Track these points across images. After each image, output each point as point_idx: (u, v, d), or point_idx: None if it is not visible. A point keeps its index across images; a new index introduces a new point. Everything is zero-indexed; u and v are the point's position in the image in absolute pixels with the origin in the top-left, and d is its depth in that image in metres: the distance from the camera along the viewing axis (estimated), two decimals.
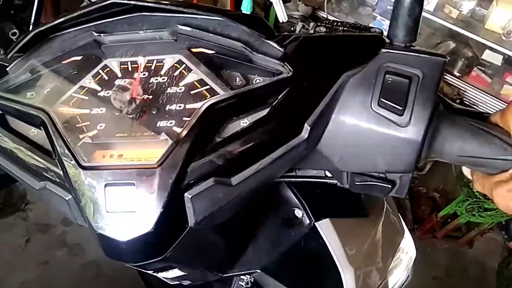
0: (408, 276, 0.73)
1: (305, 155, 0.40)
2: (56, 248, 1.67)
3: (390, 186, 0.42)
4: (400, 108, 0.37)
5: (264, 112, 0.39)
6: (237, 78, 0.41)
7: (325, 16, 2.72)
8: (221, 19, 0.40)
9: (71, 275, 1.60)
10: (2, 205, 1.78)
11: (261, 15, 2.74)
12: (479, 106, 2.58)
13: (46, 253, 1.65)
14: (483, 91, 2.63)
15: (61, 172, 0.39)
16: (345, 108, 0.39)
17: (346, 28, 0.43)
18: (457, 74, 2.69)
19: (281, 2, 2.15)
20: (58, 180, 0.39)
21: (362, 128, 0.38)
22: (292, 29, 2.64)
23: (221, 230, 0.47)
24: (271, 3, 2.10)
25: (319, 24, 0.44)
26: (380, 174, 0.42)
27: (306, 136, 0.37)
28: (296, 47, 0.39)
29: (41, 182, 0.40)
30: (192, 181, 0.36)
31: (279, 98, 0.38)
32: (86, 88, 0.43)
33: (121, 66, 0.43)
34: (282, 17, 2.17)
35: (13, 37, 0.95)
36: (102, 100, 0.41)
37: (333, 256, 0.54)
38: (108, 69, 0.43)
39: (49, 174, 0.40)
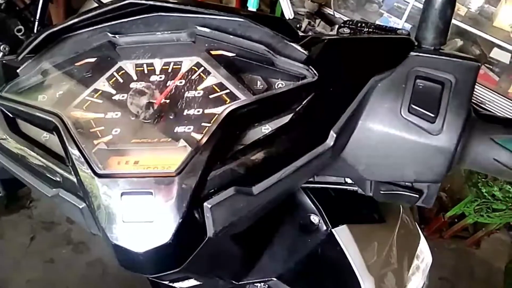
0: (425, 283, 0.72)
1: (330, 163, 0.39)
2: (61, 246, 1.66)
3: (417, 195, 0.40)
4: (432, 115, 0.35)
5: (287, 118, 0.37)
6: (258, 82, 0.39)
7: (332, 13, 2.70)
8: (242, 20, 0.38)
9: (77, 273, 1.60)
10: (7, 203, 1.77)
11: (267, 12, 2.72)
12: (486, 105, 2.56)
13: (51, 251, 1.64)
14: (490, 89, 2.61)
15: (74, 180, 0.37)
16: (373, 114, 0.37)
17: (371, 30, 0.42)
18: None
19: None
20: (71, 187, 0.38)
21: (391, 136, 0.37)
22: (298, 26, 2.61)
23: (238, 238, 0.45)
24: (277, 0, 2.08)
25: (342, 25, 0.42)
26: (406, 183, 0.40)
27: (332, 143, 0.36)
28: (321, 50, 0.38)
29: (54, 190, 0.38)
30: (212, 190, 0.35)
31: (303, 103, 0.36)
32: (100, 91, 0.41)
33: (137, 69, 0.41)
34: (288, 13, 2.15)
35: (18, 34, 0.93)
36: (117, 104, 0.40)
37: (352, 264, 0.53)
38: (123, 71, 0.41)
39: (62, 181, 0.38)
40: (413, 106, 0.35)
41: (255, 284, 0.58)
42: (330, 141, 0.36)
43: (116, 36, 0.41)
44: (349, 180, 0.50)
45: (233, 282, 0.52)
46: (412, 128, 0.36)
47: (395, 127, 0.36)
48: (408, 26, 2.72)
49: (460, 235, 2.03)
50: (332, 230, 0.56)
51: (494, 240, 2.07)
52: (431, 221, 2.03)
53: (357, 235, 0.56)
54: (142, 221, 0.35)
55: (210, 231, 0.36)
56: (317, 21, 2.66)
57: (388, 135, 0.37)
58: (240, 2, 2.51)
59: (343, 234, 0.55)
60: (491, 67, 2.63)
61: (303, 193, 0.57)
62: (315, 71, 0.36)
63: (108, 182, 0.35)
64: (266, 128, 0.37)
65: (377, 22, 2.79)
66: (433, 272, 1.99)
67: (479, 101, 2.64)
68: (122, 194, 0.35)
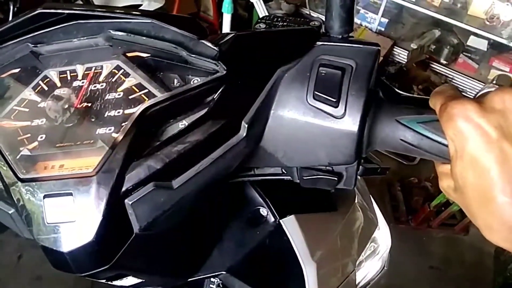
0: (383, 267, 0.73)
1: (248, 153, 0.40)
2: (49, 262, 1.66)
3: (336, 178, 0.41)
4: (334, 100, 0.36)
5: (202, 112, 0.38)
6: (175, 80, 0.41)
7: (308, 13, 2.72)
8: (152, 22, 0.39)
9: None
10: None
11: (245, 15, 2.75)
12: (468, 93, 2.58)
13: (39, 267, 1.64)
14: (470, 77, 2.64)
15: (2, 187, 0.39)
16: (282, 103, 0.38)
17: (285, 23, 0.43)
18: (444, 62, 2.69)
19: (260, 0, 2.15)
20: (1, 195, 0.39)
21: (301, 122, 0.38)
22: None
23: (176, 234, 0.46)
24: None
25: (259, 20, 0.44)
26: (327, 167, 0.42)
27: (245, 134, 0.37)
28: (229, 46, 0.39)
29: None
30: (131, 187, 0.36)
31: (214, 97, 0.38)
32: (27, 100, 0.42)
33: (61, 76, 0.42)
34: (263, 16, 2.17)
35: None
36: (42, 111, 0.41)
37: (296, 252, 0.54)
38: (48, 79, 0.43)
39: None
40: (317, 93, 0.37)
41: (211, 280, 0.59)
42: (243, 132, 0.37)
43: (38, 45, 0.42)
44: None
45: (183, 278, 0.53)
46: (318, 113, 0.37)
47: (303, 114, 0.38)
48: (385, 21, 2.76)
49: (448, 223, 2.04)
50: (280, 221, 0.57)
51: None
52: (418, 212, 2.04)
53: (305, 224, 0.57)
54: (65, 221, 0.36)
55: (135, 227, 0.37)
56: None
57: (298, 122, 0.38)
58: (216, 7, 2.54)
59: (290, 224, 0.56)
60: (469, 55, 2.65)
61: (251, 187, 0.58)
62: (224, 66, 0.38)
63: (31, 186, 0.37)
64: (183, 124, 0.39)
65: (355, 19, 2.82)
66: (423, 261, 2.00)
67: (460, 89, 2.65)
68: (44, 196, 0.36)
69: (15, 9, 1.50)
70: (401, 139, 0.38)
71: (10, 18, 1.52)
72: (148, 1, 1.98)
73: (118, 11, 0.41)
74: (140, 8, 1.96)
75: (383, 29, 2.79)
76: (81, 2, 1.77)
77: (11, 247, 1.71)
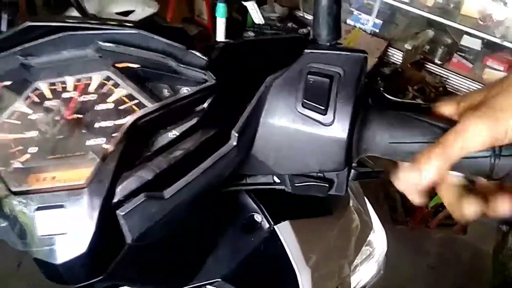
0: (379, 271, 0.73)
1: (240, 162, 0.40)
2: None
3: (327, 185, 0.41)
4: (323, 107, 0.37)
5: (192, 122, 0.38)
6: (165, 90, 0.41)
7: (302, 15, 2.73)
8: (140, 32, 0.40)
9: None
10: None
11: (238, 19, 2.75)
12: (462, 92, 2.59)
13: (39, 275, 1.63)
14: (465, 76, 2.65)
15: None
16: (272, 111, 0.39)
17: (274, 32, 0.43)
18: (438, 62, 2.71)
19: (255, 5, 2.16)
20: None
21: (290, 130, 0.38)
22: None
23: (170, 244, 0.46)
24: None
25: (247, 28, 0.44)
26: (318, 174, 0.42)
27: (235, 143, 0.37)
28: (218, 55, 0.39)
29: None
30: (123, 198, 0.36)
31: (204, 107, 0.38)
32: (18, 113, 0.42)
33: (51, 87, 0.43)
34: (258, 19, 2.18)
35: None
36: (33, 123, 0.41)
37: (290, 258, 0.54)
38: (39, 91, 0.43)
39: None
40: (306, 101, 0.37)
41: (207, 286, 0.59)
42: (233, 141, 0.37)
43: (28, 58, 0.42)
44: (277, 180, 0.52)
45: (177, 287, 0.53)
46: (307, 121, 0.37)
47: (293, 122, 0.38)
48: (379, 22, 2.77)
49: (446, 223, 2.04)
50: (275, 227, 0.57)
51: (480, 224, 2.08)
52: (416, 212, 2.04)
53: (299, 230, 0.57)
54: (57, 233, 0.36)
55: (128, 238, 0.37)
56: (289, 24, 2.68)
57: (288, 129, 0.38)
58: (210, 11, 2.54)
59: (284, 230, 0.56)
60: (463, 54, 2.67)
61: (245, 194, 0.58)
62: (212, 76, 0.38)
63: (23, 199, 0.37)
64: (174, 134, 0.39)
65: (348, 20, 2.84)
66: (421, 261, 2.00)
67: (455, 89, 2.67)
68: (36, 209, 0.36)
69: (9, 18, 1.50)
70: (391, 145, 0.38)
71: (4, 28, 1.52)
72: (142, 7, 1.99)
73: (106, 22, 0.41)
74: (133, 13, 1.96)
75: (377, 31, 2.80)
76: (74, 9, 1.77)
77: (11, 254, 1.70)
